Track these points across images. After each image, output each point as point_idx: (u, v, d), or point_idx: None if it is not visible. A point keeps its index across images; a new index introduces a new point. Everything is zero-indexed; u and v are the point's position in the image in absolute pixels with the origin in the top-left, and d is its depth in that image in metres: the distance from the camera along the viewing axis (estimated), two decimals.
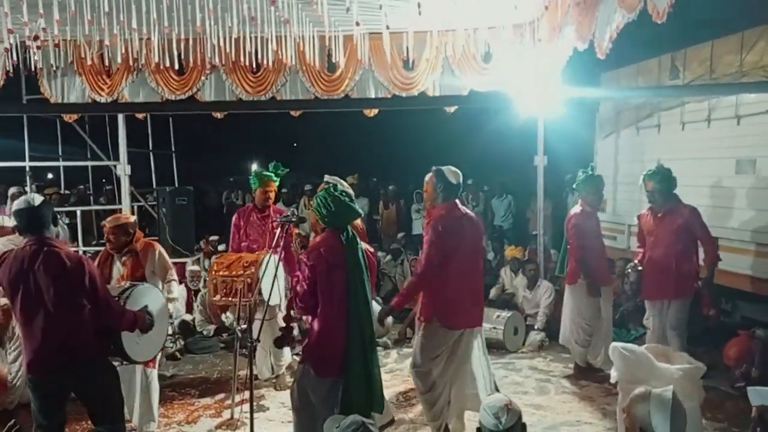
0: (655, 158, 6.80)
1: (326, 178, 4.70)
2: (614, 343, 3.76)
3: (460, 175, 4.19)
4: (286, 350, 5.36)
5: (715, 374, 5.33)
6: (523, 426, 2.48)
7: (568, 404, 4.93)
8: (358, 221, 4.61)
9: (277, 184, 5.46)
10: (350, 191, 4.12)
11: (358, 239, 3.51)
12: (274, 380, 5.35)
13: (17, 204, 3.28)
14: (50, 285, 3.14)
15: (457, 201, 4.16)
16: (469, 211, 4.24)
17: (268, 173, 5.34)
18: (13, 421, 4.10)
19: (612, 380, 4.02)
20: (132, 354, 3.54)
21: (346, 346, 3.32)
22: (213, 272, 4.75)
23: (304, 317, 4.30)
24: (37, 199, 3.31)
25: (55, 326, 3.15)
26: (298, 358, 6.07)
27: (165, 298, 4.04)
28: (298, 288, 3.45)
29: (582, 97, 6.23)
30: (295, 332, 6.40)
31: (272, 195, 5.40)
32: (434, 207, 4.16)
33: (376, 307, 5.25)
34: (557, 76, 5.94)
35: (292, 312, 5.66)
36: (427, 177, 4.24)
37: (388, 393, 4.91)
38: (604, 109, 7.76)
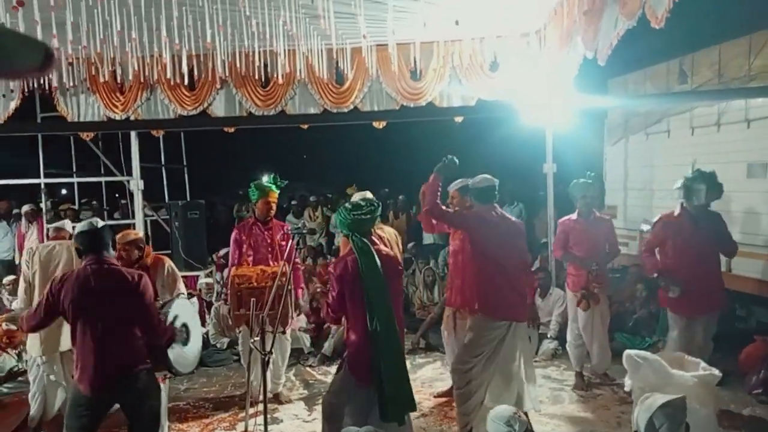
0: (664, 164, 6.79)
1: (350, 192, 4.82)
2: (628, 351, 3.74)
3: (487, 178, 4.29)
4: (284, 369, 5.38)
5: (732, 381, 5.28)
6: None
7: (582, 413, 4.90)
8: (388, 230, 4.68)
9: (277, 195, 5.31)
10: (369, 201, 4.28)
11: (372, 246, 3.52)
12: (272, 399, 5.19)
13: (81, 227, 3.47)
14: (114, 302, 3.28)
15: (495, 205, 4.29)
16: (506, 213, 4.43)
17: (268, 184, 5.20)
18: None
19: (626, 388, 3.99)
20: (177, 366, 3.70)
21: (373, 352, 3.37)
22: (236, 285, 4.74)
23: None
24: (99, 222, 3.50)
25: (117, 342, 3.28)
26: (311, 370, 6.14)
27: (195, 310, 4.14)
28: (328, 298, 3.59)
29: (590, 105, 6.25)
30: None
31: (274, 206, 5.26)
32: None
33: None
34: (569, 84, 5.95)
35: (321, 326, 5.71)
36: (451, 197, 4.55)
37: None
38: (613, 115, 7.75)
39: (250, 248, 5.17)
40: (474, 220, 4.26)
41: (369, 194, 4.79)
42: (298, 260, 5.56)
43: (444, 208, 4.31)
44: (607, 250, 5.41)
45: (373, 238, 3.60)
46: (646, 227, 5.40)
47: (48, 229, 4.95)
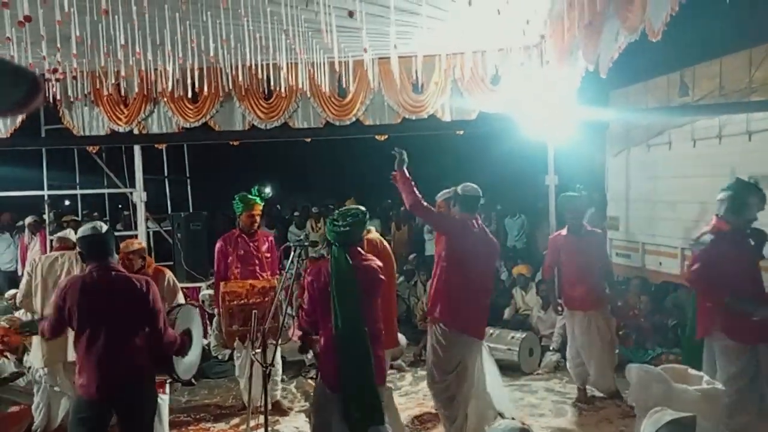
0: (666, 175, 6.79)
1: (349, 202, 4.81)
2: (630, 364, 3.74)
3: (475, 188, 4.32)
4: (279, 377, 5.39)
5: None
6: None
7: (585, 426, 4.87)
8: (377, 237, 4.65)
9: (262, 206, 5.34)
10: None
11: (348, 256, 3.50)
12: (271, 410, 5.21)
13: (83, 231, 3.39)
14: (120, 309, 3.26)
15: (476, 215, 4.31)
16: (486, 230, 4.36)
17: (252, 196, 5.22)
18: None
19: (629, 402, 3.99)
20: (179, 372, 3.68)
21: (338, 361, 3.38)
22: (227, 302, 4.75)
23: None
24: (104, 226, 3.43)
25: (119, 349, 3.25)
26: (312, 381, 6.12)
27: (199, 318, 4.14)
28: (303, 303, 3.63)
29: (592, 118, 6.27)
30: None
31: (258, 218, 5.30)
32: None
33: None
34: (572, 97, 5.98)
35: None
36: (437, 204, 4.47)
37: (404, 416, 4.89)
38: (615, 126, 7.76)
39: (237, 260, 5.16)
40: (459, 225, 4.20)
41: (359, 207, 4.78)
42: (286, 274, 5.54)
43: (427, 206, 4.22)
44: (599, 266, 5.27)
45: (359, 249, 3.58)
46: (694, 244, 4.36)
47: (51, 240, 4.98)
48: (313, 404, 3.62)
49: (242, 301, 4.66)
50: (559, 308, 5.49)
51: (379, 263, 3.61)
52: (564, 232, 5.36)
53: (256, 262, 5.20)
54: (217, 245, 5.29)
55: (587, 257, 5.18)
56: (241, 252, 5.19)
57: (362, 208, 3.74)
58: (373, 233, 4.67)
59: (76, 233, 5.00)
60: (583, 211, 5.35)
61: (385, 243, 4.79)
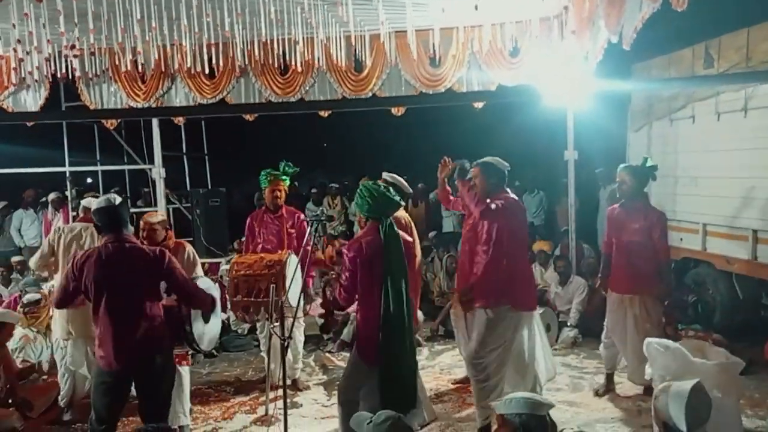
0: (689, 149, 6.65)
1: (384, 175, 4.77)
2: (648, 339, 3.71)
3: (505, 164, 4.30)
4: (300, 355, 5.40)
5: (757, 370, 5.21)
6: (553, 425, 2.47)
7: (602, 401, 4.87)
8: (404, 214, 4.66)
9: (287, 183, 5.30)
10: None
11: (396, 229, 3.56)
12: (290, 386, 5.19)
13: (98, 203, 3.45)
14: (134, 279, 3.31)
15: (507, 189, 4.26)
16: (515, 196, 4.31)
17: (276, 172, 5.20)
18: None
19: (647, 377, 3.97)
20: (201, 342, 3.72)
21: (383, 338, 3.39)
22: (234, 272, 4.78)
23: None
24: (117, 198, 3.47)
25: (136, 320, 3.31)
26: (330, 356, 6.19)
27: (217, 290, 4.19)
28: (341, 279, 3.59)
29: (612, 89, 6.14)
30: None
31: (282, 195, 5.24)
32: (491, 198, 4.16)
33: None
34: (592, 69, 5.82)
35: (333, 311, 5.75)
36: (473, 171, 4.33)
37: None
38: (636, 100, 7.59)
39: (260, 236, 5.22)
40: (514, 211, 4.14)
41: (398, 177, 4.80)
42: (308, 248, 5.58)
43: (495, 208, 4.03)
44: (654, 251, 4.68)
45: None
46: None
47: (74, 215, 5.05)
48: (346, 377, 3.63)
49: (248, 272, 4.67)
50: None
51: (408, 237, 3.63)
52: (617, 206, 4.97)
53: (278, 238, 5.20)
54: (247, 221, 5.39)
55: (636, 236, 4.70)
56: (265, 228, 5.25)
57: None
58: (400, 210, 4.68)
59: None
60: (643, 186, 4.81)
61: (410, 220, 4.79)
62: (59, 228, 4.89)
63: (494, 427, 3.02)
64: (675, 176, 6.89)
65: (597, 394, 4.98)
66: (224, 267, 7.42)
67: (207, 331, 3.81)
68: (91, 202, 4.95)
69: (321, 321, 6.69)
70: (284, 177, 5.24)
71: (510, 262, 4.08)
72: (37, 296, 5.49)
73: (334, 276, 6.96)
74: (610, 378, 5.06)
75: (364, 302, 3.47)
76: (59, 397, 4.89)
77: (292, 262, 4.60)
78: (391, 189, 3.62)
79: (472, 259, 4.27)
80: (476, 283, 4.17)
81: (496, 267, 4.09)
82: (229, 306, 6.83)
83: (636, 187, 4.74)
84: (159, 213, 4.66)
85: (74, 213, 7.59)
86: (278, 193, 5.22)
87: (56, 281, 4.75)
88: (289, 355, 5.17)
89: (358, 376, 3.51)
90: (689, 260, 6.74)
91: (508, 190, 4.29)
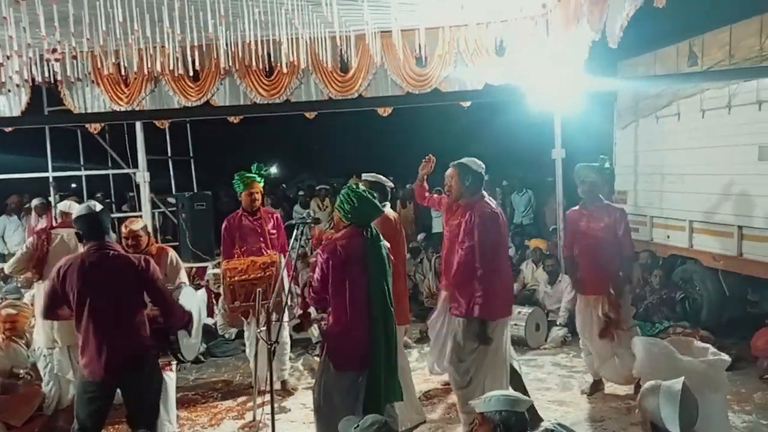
0: (675, 147, 6.69)
1: (363, 176, 4.73)
2: (636, 337, 3.72)
3: (482, 165, 4.23)
4: (287, 355, 5.36)
5: (743, 365, 5.25)
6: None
7: (591, 400, 4.87)
8: (393, 218, 4.63)
9: (262, 184, 5.31)
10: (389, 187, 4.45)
11: (381, 237, 3.53)
12: (279, 390, 5.22)
13: (79, 211, 3.41)
14: (117, 287, 3.26)
15: (483, 193, 4.20)
16: (491, 201, 4.26)
17: (251, 175, 5.19)
18: None
19: (634, 374, 3.97)
20: (185, 352, 3.70)
21: (369, 340, 3.36)
22: (228, 278, 4.73)
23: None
24: (98, 206, 3.43)
25: (120, 328, 3.26)
26: (318, 359, 6.14)
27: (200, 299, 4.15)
28: (311, 280, 3.56)
29: (599, 88, 6.14)
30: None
31: (258, 196, 5.26)
32: (466, 202, 4.16)
33: None
34: (579, 66, 5.83)
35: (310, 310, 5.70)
36: (449, 172, 4.28)
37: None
38: (623, 98, 7.63)
39: (241, 239, 5.16)
40: (494, 220, 4.07)
41: (380, 177, 4.76)
42: (287, 249, 5.54)
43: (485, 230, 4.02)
44: (618, 249, 4.68)
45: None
46: None
47: (55, 215, 4.94)
48: (318, 383, 3.57)
49: (243, 277, 4.64)
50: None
51: (387, 243, 3.60)
52: (578, 207, 4.98)
53: (261, 240, 5.18)
54: (223, 225, 5.33)
55: (598, 235, 4.70)
56: (245, 231, 5.19)
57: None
58: (388, 209, 4.65)
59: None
60: (601, 184, 4.82)
61: (399, 219, 4.76)
62: (50, 233, 4.76)
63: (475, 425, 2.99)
64: (661, 173, 6.93)
65: (584, 392, 4.99)
66: (210, 271, 7.36)
67: (189, 340, 3.78)
68: (69, 206, 4.88)
69: (297, 320, 6.62)
70: (259, 178, 5.24)
71: (486, 272, 3.98)
72: (13, 311, 5.38)
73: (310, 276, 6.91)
74: (597, 382, 5.04)
75: (334, 306, 3.40)
76: (44, 405, 4.82)
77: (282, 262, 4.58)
78: (374, 193, 3.57)
79: (452, 257, 4.22)
80: (454, 288, 4.16)
81: (468, 278, 4.02)
82: (217, 311, 6.83)
83: (598, 187, 4.79)
84: (140, 219, 4.59)
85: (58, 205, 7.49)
86: (255, 195, 5.22)
87: (37, 289, 4.67)
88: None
89: (329, 380, 3.45)
90: (676, 257, 6.78)
91: (485, 192, 4.22)
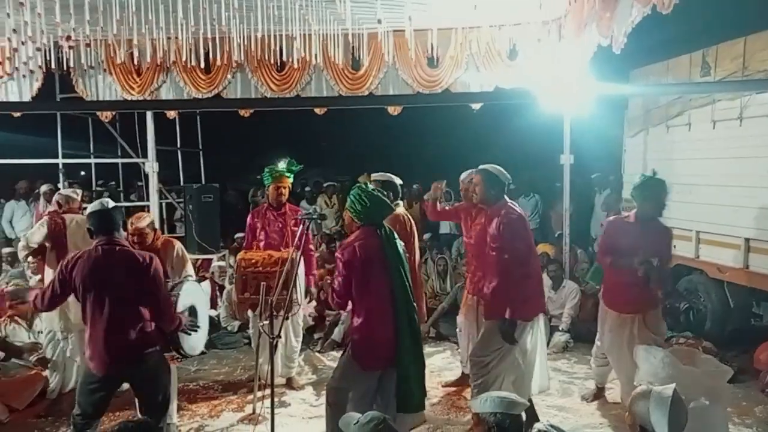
0: (684, 157, 6.66)
1: (373, 176, 4.74)
2: (638, 345, 3.71)
3: (507, 175, 4.26)
4: (297, 354, 5.35)
5: (746, 378, 5.22)
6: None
7: (591, 406, 4.86)
8: (403, 216, 4.64)
9: (291, 180, 5.27)
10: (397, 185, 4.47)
11: (393, 233, 3.55)
12: (284, 385, 5.25)
13: (92, 207, 3.48)
14: (124, 282, 3.31)
15: (506, 198, 4.21)
16: (516, 206, 4.27)
17: (280, 169, 5.14)
18: None
19: (635, 382, 3.94)
20: (185, 348, 3.75)
21: (396, 339, 3.40)
22: (241, 269, 4.73)
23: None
24: (110, 202, 3.50)
25: (126, 323, 3.31)
26: (319, 355, 6.16)
27: (205, 293, 4.18)
28: (334, 284, 3.56)
29: (609, 94, 6.12)
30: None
31: (286, 192, 5.20)
32: (491, 209, 4.19)
33: None
34: (583, 72, 5.83)
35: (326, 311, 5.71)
36: (474, 179, 4.32)
37: None
38: (633, 106, 7.60)
39: (263, 233, 5.17)
40: (524, 224, 4.15)
41: (391, 176, 4.77)
42: (311, 246, 5.55)
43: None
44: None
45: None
46: None
47: (58, 201, 4.93)
48: (337, 378, 3.59)
49: (257, 269, 4.63)
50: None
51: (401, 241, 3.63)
52: (630, 218, 4.51)
53: (281, 236, 5.15)
54: (248, 218, 5.34)
55: (648, 253, 4.27)
56: (267, 224, 5.19)
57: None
58: (400, 208, 4.66)
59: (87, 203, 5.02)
60: (663, 202, 4.43)
61: (409, 217, 4.75)
62: (63, 217, 4.76)
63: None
64: (670, 183, 6.87)
65: (584, 398, 4.97)
66: (216, 264, 7.39)
67: (195, 334, 3.80)
68: (75, 193, 4.91)
69: (312, 322, 6.65)
70: (288, 174, 5.18)
71: (517, 272, 4.00)
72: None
73: (329, 281, 6.93)
74: (600, 390, 5.00)
75: (360, 307, 3.43)
76: (48, 389, 4.86)
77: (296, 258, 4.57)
78: (384, 192, 3.60)
79: (488, 263, 4.20)
80: (489, 295, 4.15)
81: (504, 279, 4.01)
82: (220, 303, 6.85)
83: (658, 203, 4.40)
84: (145, 215, 4.60)
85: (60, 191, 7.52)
86: (283, 190, 5.17)
87: (46, 276, 4.70)
88: (284, 353, 5.16)
89: (351, 379, 3.48)
90: (682, 267, 6.74)
91: (507, 198, 4.24)
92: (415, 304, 3.56)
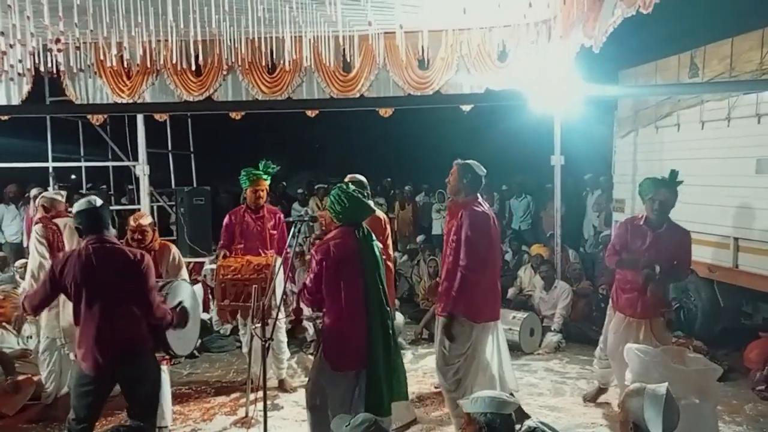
0: (674, 157, 6.71)
1: (348, 177, 4.74)
2: (629, 345, 3.72)
3: (483, 169, 4.24)
4: (285, 354, 5.34)
5: (736, 377, 5.26)
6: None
7: (583, 406, 4.88)
8: (383, 218, 4.64)
9: (268, 182, 5.25)
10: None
11: (373, 236, 3.55)
12: (277, 388, 5.24)
13: (79, 205, 3.42)
14: (116, 281, 3.28)
15: (478, 195, 4.19)
16: (485, 205, 4.25)
17: (257, 172, 5.13)
18: None
19: (626, 382, 3.97)
20: (175, 348, 3.69)
21: (367, 339, 3.38)
22: (220, 276, 4.71)
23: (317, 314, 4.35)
24: (98, 200, 3.44)
25: (118, 321, 3.28)
26: (312, 357, 6.15)
27: (195, 294, 4.14)
28: (306, 280, 3.54)
29: (599, 95, 6.16)
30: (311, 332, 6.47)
31: (263, 194, 5.19)
32: (458, 202, 4.18)
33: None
34: (569, 73, 5.86)
35: (302, 308, 5.67)
36: (452, 169, 4.30)
37: None
38: (623, 107, 7.65)
39: (241, 236, 5.14)
40: (486, 222, 4.04)
41: (360, 177, 4.76)
42: (287, 250, 5.53)
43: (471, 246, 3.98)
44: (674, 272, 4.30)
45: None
46: None
47: (43, 205, 4.85)
48: (312, 381, 3.58)
49: (236, 276, 4.62)
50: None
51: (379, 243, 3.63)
52: (641, 220, 4.42)
53: (260, 238, 5.15)
54: (225, 220, 5.30)
55: (660, 257, 4.24)
56: (246, 227, 5.16)
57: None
58: (379, 211, 4.65)
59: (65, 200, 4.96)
60: (672, 201, 4.31)
61: (386, 218, 4.77)
62: (56, 222, 4.71)
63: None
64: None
65: (585, 399, 4.93)
66: (208, 267, 7.36)
67: (182, 335, 3.76)
68: (59, 196, 4.85)
69: (308, 324, 6.63)
70: (266, 176, 5.18)
71: (471, 272, 3.97)
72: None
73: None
74: (602, 390, 4.91)
75: (330, 307, 3.42)
76: (42, 394, 4.82)
77: (278, 265, 4.57)
78: (363, 192, 3.60)
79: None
80: (438, 290, 4.16)
81: (452, 276, 4.03)
82: (212, 307, 6.82)
83: (669, 205, 4.32)
84: (146, 214, 4.57)
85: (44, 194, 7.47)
86: (261, 193, 5.17)
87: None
88: (272, 354, 5.14)
89: (325, 380, 3.46)
90: None
91: (479, 195, 4.22)
92: (389, 306, 3.54)
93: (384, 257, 3.70)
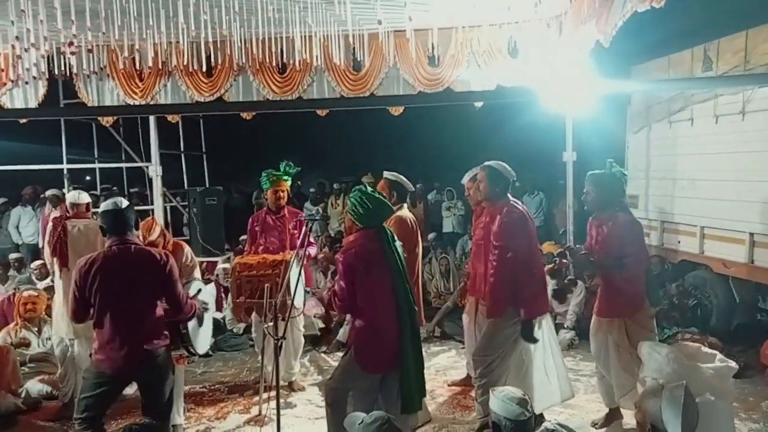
0: (687, 152, 6.64)
1: (385, 174, 4.73)
2: (643, 341, 3.68)
3: (512, 172, 4.22)
4: (297, 359, 5.33)
5: (752, 374, 5.21)
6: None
7: (597, 403, 4.84)
8: (408, 214, 4.62)
9: (289, 183, 5.24)
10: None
11: (395, 236, 3.55)
12: (285, 388, 5.19)
13: (105, 206, 3.46)
14: (141, 282, 3.31)
15: (509, 195, 4.18)
16: (519, 203, 4.23)
17: (277, 173, 5.13)
18: None
19: (641, 377, 3.93)
20: (196, 344, 3.78)
21: (399, 340, 3.40)
22: (236, 273, 4.75)
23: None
24: (124, 202, 3.48)
25: (141, 322, 3.31)
26: (325, 356, 6.18)
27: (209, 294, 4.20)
28: (335, 287, 3.54)
29: (611, 90, 6.11)
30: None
31: (284, 195, 5.18)
32: (492, 207, 4.15)
33: None
34: (584, 69, 5.81)
35: (331, 313, 5.68)
36: (479, 175, 4.27)
37: None
38: (636, 102, 7.58)
39: (262, 237, 5.16)
40: (525, 223, 4.06)
41: (400, 176, 4.72)
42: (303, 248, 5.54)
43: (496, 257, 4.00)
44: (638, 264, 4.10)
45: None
46: None
47: (66, 206, 4.92)
48: (337, 379, 3.58)
49: (251, 273, 4.65)
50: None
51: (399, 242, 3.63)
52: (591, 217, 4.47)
53: (281, 239, 5.15)
54: (249, 223, 5.34)
55: (606, 251, 4.15)
56: (267, 228, 5.19)
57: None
58: (405, 210, 4.62)
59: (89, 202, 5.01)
60: (611, 191, 4.23)
61: (415, 220, 4.71)
62: (65, 223, 4.75)
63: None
64: (673, 178, 6.88)
65: (594, 424, 4.47)
66: (221, 266, 7.41)
67: (201, 333, 3.83)
68: (78, 197, 4.89)
69: (318, 321, 6.66)
70: (286, 177, 5.17)
71: (521, 271, 3.97)
72: (34, 293, 5.51)
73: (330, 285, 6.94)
74: (613, 412, 4.41)
75: (361, 311, 3.42)
76: (60, 394, 4.88)
77: (295, 263, 4.58)
78: (386, 192, 3.60)
79: (485, 262, 4.17)
80: (488, 293, 4.13)
81: (505, 277, 3.99)
82: (226, 306, 6.87)
83: (604, 194, 4.27)
84: (154, 224, 4.55)
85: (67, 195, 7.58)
86: (281, 194, 5.16)
87: (57, 280, 4.70)
88: (284, 358, 5.15)
89: (351, 379, 3.48)
90: (687, 263, 6.73)
91: (510, 195, 4.20)
92: (416, 306, 3.57)
93: (406, 256, 3.68)
